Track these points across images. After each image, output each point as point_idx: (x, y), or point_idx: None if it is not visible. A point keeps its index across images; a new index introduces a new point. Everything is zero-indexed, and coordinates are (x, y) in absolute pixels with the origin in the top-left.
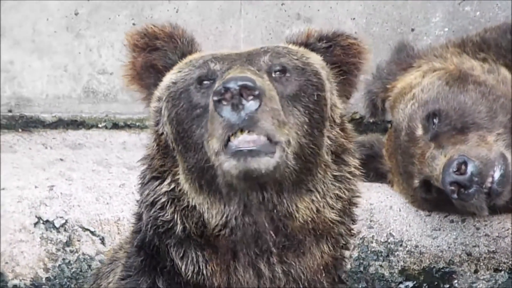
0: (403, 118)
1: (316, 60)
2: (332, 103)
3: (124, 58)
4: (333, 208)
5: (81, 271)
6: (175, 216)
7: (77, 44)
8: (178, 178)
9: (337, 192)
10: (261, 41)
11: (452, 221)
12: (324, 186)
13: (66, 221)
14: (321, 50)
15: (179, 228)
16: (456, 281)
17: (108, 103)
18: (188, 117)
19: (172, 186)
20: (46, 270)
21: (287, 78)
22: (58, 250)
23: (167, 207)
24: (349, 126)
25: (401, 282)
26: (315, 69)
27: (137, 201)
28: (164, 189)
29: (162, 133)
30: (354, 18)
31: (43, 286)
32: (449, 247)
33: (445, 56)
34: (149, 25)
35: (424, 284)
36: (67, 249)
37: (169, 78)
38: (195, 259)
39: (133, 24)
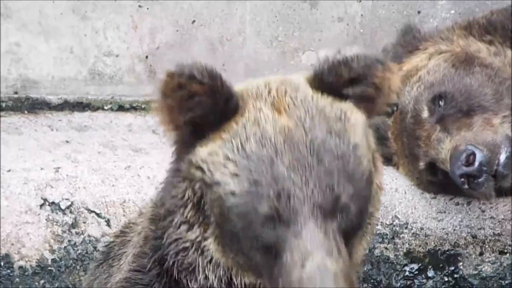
0: (409, 101)
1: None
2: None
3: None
4: None
5: (86, 252)
6: (198, 263)
7: (83, 26)
8: (207, 237)
9: None
10: (267, 24)
11: (457, 204)
12: None
13: (72, 203)
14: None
15: (201, 275)
16: (461, 263)
17: (114, 85)
18: (251, 236)
19: (199, 239)
20: (52, 251)
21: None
22: (63, 232)
23: (190, 252)
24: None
25: (406, 265)
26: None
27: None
28: (192, 237)
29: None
30: (360, 1)
31: (49, 268)
32: (454, 230)
33: (451, 38)
34: (188, 78)
35: (429, 266)
36: (73, 231)
37: (224, 178)
38: None
39: (139, 6)
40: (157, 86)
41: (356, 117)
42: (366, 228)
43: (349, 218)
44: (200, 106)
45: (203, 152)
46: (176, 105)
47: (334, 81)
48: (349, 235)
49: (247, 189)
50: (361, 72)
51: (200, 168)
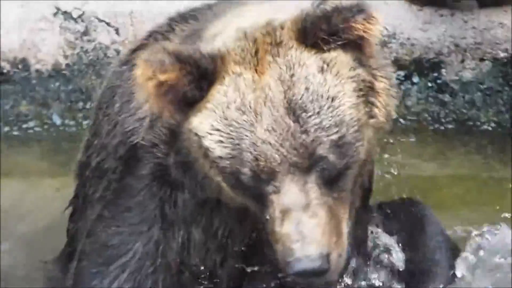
0: None
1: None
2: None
3: None
4: None
5: (97, 59)
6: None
7: None
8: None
9: None
10: None
11: (441, 15)
12: None
13: (83, 12)
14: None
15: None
16: (444, 70)
17: None
18: (241, 186)
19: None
20: (66, 57)
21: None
22: (76, 39)
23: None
24: None
25: (393, 72)
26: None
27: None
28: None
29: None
30: None
31: (63, 71)
32: (438, 39)
33: None
34: (157, 68)
35: (414, 73)
36: (85, 38)
37: (211, 143)
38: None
39: None
40: (134, 78)
41: (339, 65)
42: (360, 164)
43: (330, 166)
44: (174, 89)
45: (195, 121)
46: (153, 93)
47: (316, 35)
48: (335, 179)
49: (231, 153)
50: (341, 25)
51: (196, 135)
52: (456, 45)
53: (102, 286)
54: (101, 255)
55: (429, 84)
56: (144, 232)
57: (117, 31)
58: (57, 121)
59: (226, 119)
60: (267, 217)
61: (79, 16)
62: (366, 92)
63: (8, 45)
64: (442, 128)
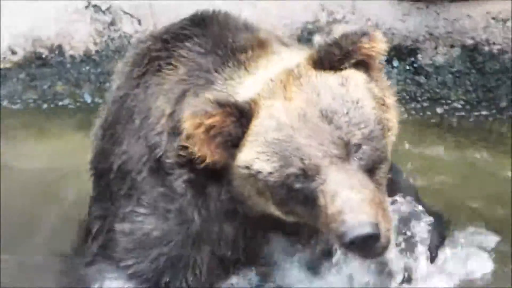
0: None
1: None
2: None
3: None
4: None
5: (122, 45)
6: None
7: None
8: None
9: None
10: None
11: (418, 8)
12: None
13: (110, 5)
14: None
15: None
16: (419, 55)
17: None
18: (293, 196)
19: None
20: (95, 44)
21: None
22: (104, 28)
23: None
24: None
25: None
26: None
27: None
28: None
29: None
30: None
31: (93, 57)
32: (415, 29)
33: None
34: (204, 116)
35: (394, 58)
36: (111, 28)
37: (260, 165)
38: None
39: None
40: (184, 129)
41: (356, 78)
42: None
43: (365, 155)
44: (220, 131)
45: (242, 156)
46: (203, 138)
47: (331, 59)
48: (372, 171)
49: (278, 164)
50: (350, 48)
51: (246, 167)
52: (430, 34)
53: (139, 269)
54: (138, 243)
55: (407, 68)
56: (183, 230)
57: (139, 21)
58: (88, 99)
59: (267, 141)
60: (319, 207)
61: (107, 9)
62: (380, 107)
63: (46, 34)
64: (419, 105)
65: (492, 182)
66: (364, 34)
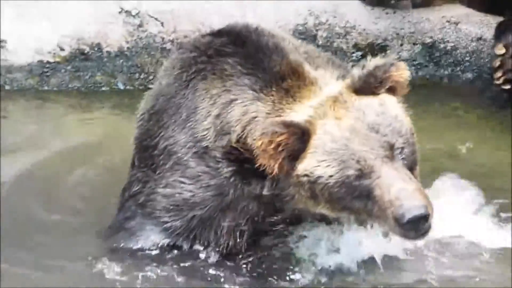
0: None
1: (400, 111)
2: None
3: None
4: None
5: (148, 43)
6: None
7: None
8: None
9: None
10: None
11: (387, 13)
12: None
13: (139, 11)
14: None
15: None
16: (388, 51)
17: None
18: (350, 193)
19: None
20: (127, 42)
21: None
22: (134, 29)
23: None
24: None
25: (353, 53)
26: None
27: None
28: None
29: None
30: None
31: (125, 52)
32: (385, 29)
33: None
34: (274, 135)
35: (368, 53)
36: (140, 29)
37: (322, 171)
38: None
39: None
40: (257, 147)
41: (390, 100)
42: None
43: (407, 156)
44: (287, 146)
45: (302, 166)
46: (273, 153)
47: (368, 87)
48: (411, 169)
49: (338, 168)
50: (382, 76)
51: (306, 175)
52: (397, 34)
53: (175, 225)
54: (177, 205)
55: None
56: (216, 199)
57: (162, 24)
58: (121, 86)
59: (326, 151)
60: (374, 198)
61: (136, 14)
62: (409, 121)
63: (87, 34)
64: None
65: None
66: (392, 64)
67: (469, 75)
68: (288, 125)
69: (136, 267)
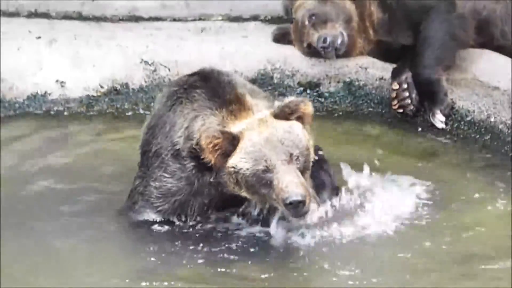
0: (299, 16)
1: (302, 132)
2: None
3: None
4: None
5: (159, 83)
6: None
7: None
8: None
9: None
10: None
11: (320, 61)
12: None
13: (153, 61)
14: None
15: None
16: (321, 86)
17: None
18: (259, 182)
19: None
20: (145, 81)
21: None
22: (150, 73)
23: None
24: None
25: (297, 88)
26: (307, 146)
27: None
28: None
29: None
30: None
31: (144, 89)
32: (318, 72)
33: None
34: (213, 138)
35: (307, 88)
36: (154, 73)
37: (242, 165)
38: None
39: None
40: (201, 145)
41: (297, 125)
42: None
43: (300, 164)
44: (221, 146)
45: (231, 161)
46: (211, 151)
47: (284, 115)
48: (302, 172)
49: (252, 163)
50: (294, 108)
51: (233, 167)
52: (327, 75)
53: (163, 207)
54: (164, 193)
55: (314, 94)
56: (187, 187)
57: (169, 69)
58: (141, 112)
59: (246, 152)
60: (274, 186)
61: (151, 63)
62: (307, 140)
63: (119, 76)
64: (320, 114)
65: None
66: (302, 101)
67: (375, 103)
68: (223, 132)
69: (142, 238)
